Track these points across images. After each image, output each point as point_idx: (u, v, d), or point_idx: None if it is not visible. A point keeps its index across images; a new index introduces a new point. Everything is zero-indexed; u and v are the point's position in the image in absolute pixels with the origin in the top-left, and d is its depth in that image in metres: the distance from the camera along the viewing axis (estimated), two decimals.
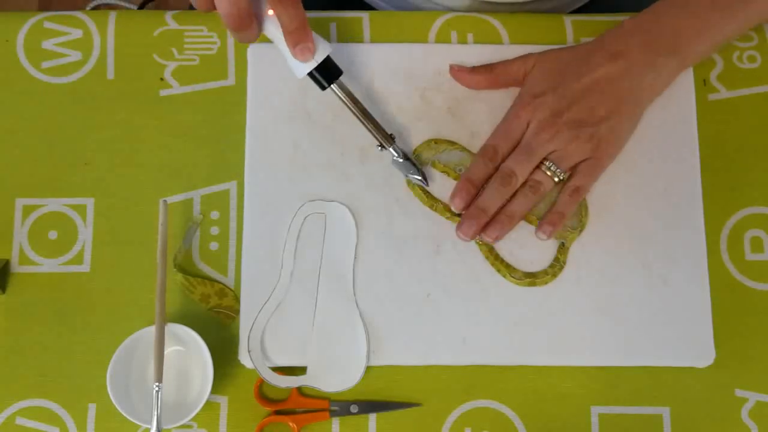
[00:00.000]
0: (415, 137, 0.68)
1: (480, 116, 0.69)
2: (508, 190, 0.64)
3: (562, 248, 0.66)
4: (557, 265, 0.65)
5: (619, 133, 0.65)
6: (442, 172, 0.67)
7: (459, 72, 0.68)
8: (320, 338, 0.64)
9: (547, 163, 0.64)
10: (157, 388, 0.59)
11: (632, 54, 0.64)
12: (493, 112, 0.69)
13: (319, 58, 0.60)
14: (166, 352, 0.62)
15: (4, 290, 0.66)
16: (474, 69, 0.68)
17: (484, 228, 0.64)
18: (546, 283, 0.65)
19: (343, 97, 0.63)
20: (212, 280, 0.66)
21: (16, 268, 0.66)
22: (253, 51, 0.70)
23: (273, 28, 0.59)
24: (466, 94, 0.69)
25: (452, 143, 0.68)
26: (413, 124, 0.69)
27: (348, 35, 0.72)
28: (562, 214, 0.65)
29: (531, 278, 0.65)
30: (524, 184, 0.65)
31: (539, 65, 0.67)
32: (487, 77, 0.68)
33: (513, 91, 0.69)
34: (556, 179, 0.64)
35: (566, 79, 0.64)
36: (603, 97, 0.64)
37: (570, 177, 0.65)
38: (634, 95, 0.65)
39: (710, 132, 0.70)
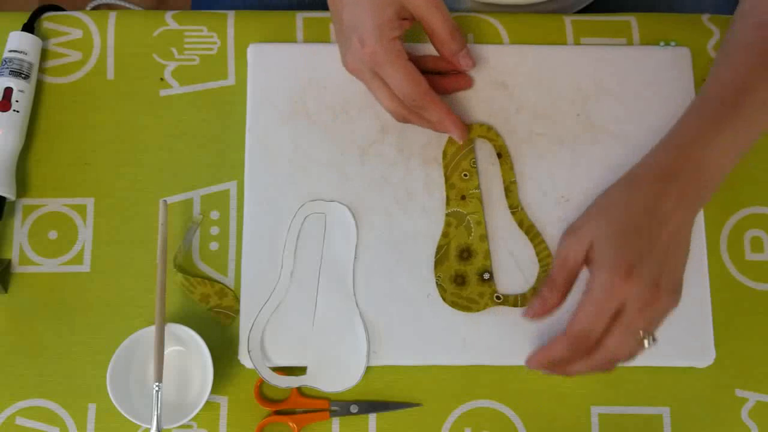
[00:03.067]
0: (415, 136, 0.68)
1: (480, 115, 0.69)
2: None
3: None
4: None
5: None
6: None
7: (530, 313, 0.60)
8: (320, 338, 0.64)
9: (644, 334, 0.57)
10: (157, 388, 0.59)
11: (690, 188, 0.58)
12: (494, 112, 0.69)
13: None
14: (166, 352, 0.62)
15: (6, 290, 0.66)
16: (541, 298, 0.60)
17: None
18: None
19: None
20: (212, 280, 0.66)
21: (17, 268, 0.67)
22: (253, 51, 0.70)
23: None
24: (466, 93, 0.69)
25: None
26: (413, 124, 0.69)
27: None
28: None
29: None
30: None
31: (601, 241, 0.58)
32: (558, 295, 0.59)
33: (510, 80, 0.69)
34: (647, 344, 0.58)
35: (644, 239, 0.57)
36: (682, 249, 0.58)
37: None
38: (690, 233, 0.60)
39: None
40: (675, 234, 0.58)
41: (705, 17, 0.73)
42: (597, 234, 0.58)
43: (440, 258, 0.66)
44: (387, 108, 0.64)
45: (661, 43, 0.72)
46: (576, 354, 0.58)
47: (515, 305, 0.65)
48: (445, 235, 0.66)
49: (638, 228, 0.57)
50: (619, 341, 0.57)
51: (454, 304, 0.65)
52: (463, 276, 0.65)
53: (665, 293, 0.57)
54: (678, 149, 0.59)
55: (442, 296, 0.65)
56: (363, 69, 0.62)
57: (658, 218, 0.57)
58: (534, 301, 0.60)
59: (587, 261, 0.58)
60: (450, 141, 0.68)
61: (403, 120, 0.65)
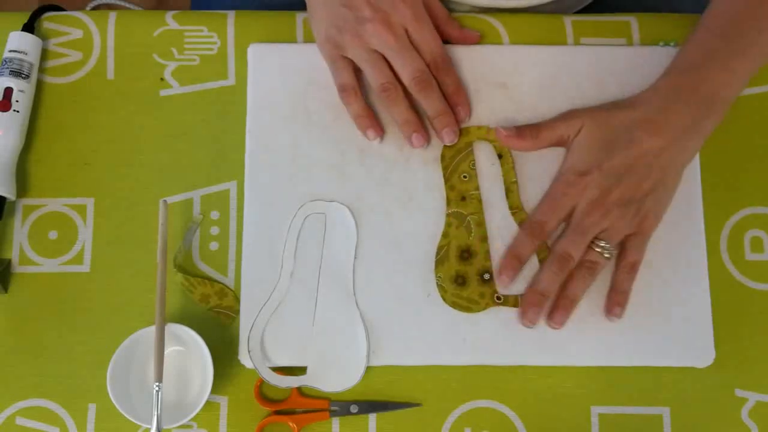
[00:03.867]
0: None
1: (480, 116, 0.69)
2: (566, 272, 0.63)
3: None
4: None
5: (663, 203, 0.65)
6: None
7: (506, 138, 0.66)
8: (320, 338, 0.64)
9: (599, 243, 0.63)
10: (157, 388, 0.59)
11: (673, 125, 0.63)
12: (494, 112, 0.69)
13: None
14: (166, 352, 0.62)
15: (6, 290, 0.66)
16: (520, 133, 0.66)
17: (550, 315, 0.64)
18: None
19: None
20: (212, 280, 0.66)
21: (17, 268, 0.66)
22: (254, 51, 0.70)
23: None
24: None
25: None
26: None
27: None
28: (626, 292, 0.65)
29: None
30: (579, 265, 0.64)
31: (584, 134, 0.65)
32: (534, 142, 0.67)
33: (516, 91, 0.69)
34: (607, 256, 0.64)
35: (611, 154, 0.63)
36: (648, 171, 0.63)
37: (622, 253, 0.65)
38: (677, 163, 0.64)
39: None
40: (644, 156, 0.63)
41: None
42: (579, 131, 0.65)
43: (441, 258, 0.66)
44: (379, 80, 0.65)
45: (661, 43, 0.72)
46: (533, 243, 0.64)
47: (515, 305, 0.65)
48: (445, 235, 0.66)
49: (609, 141, 0.64)
50: (570, 240, 0.63)
51: (454, 305, 0.65)
52: (464, 276, 0.65)
53: (617, 206, 0.63)
54: (668, 79, 0.65)
55: (442, 296, 0.65)
56: (382, 37, 0.64)
57: (631, 138, 0.63)
58: (513, 130, 0.67)
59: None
60: (447, 145, 0.68)
61: (385, 95, 0.65)
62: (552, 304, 0.64)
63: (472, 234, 0.66)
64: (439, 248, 0.66)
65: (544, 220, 0.64)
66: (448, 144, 0.67)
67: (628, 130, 0.63)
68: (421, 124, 0.66)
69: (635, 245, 0.65)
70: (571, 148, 0.66)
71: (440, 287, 0.65)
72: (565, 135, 0.66)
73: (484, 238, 0.66)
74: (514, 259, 0.64)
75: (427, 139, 0.67)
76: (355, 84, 0.67)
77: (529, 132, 0.67)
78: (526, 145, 0.67)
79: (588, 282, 0.64)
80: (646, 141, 0.63)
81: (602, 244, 0.63)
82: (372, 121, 0.67)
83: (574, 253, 0.63)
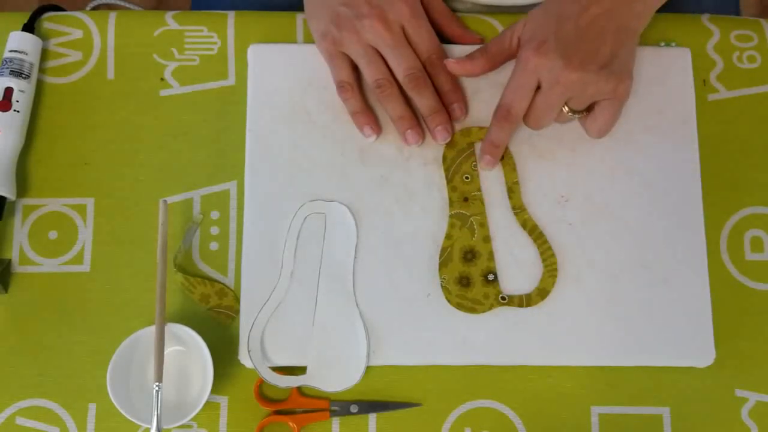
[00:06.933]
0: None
1: (480, 116, 0.69)
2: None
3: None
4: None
5: (628, 66, 0.65)
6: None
7: (456, 65, 0.67)
8: (320, 338, 0.64)
9: (565, 110, 0.65)
10: (157, 388, 0.59)
11: None
12: (490, 102, 0.69)
13: None
14: (166, 352, 0.62)
15: (6, 290, 0.66)
16: (470, 56, 0.67)
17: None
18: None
19: None
20: (212, 280, 0.66)
21: (17, 268, 0.66)
22: (254, 51, 0.70)
23: None
24: (467, 95, 0.69)
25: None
26: None
27: None
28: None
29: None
30: None
31: (529, 23, 0.64)
32: (486, 60, 0.67)
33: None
34: (577, 117, 0.66)
35: (562, 23, 0.62)
36: (603, 34, 0.62)
37: (593, 116, 0.66)
38: (628, 26, 0.63)
39: (710, 132, 0.70)
40: (597, 18, 0.62)
41: (705, 17, 0.73)
42: (524, 25, 0.65)
43: (444, 260, 0.66)
44: (374, 76, 0.66)
45: (661, 43, 0.72)
46: (507, 130, 0.65)
47: (520, 305, 0.65)
48: (449, 236, 0.66)
49: (559, 13, 0.63)
50: (541, 113, 0.64)
51: (459, 306, 0.65)
52: (468, 277, 0.65)
53: (578, 69, 0.61)
54: None
55: (447, 298, 0.65)
56: (384, 32, 0.64)
57: (580, 4, 0.62)
58: (464, 57, 0.67)
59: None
60: (448, 145, 0.68)
61: (379, 91, 0.66)
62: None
63: (476, 235, 0.66)
64: (443, 249, 0.66)
65: (510, 103, 0.64)
66: (441, 143, 0.67)
67: (573, 1, 0.63)
68: (416, 121, 0.67)
69: (606, 110, 0.65)
70: (522, 39, 0.64)
71: (445, 288, 0.65)
72: (514, 37, 0.65)
73: (488, 239, 0.66)
74: (492, 146, 0.66)
75: (422, 137, 0.67)
76: (352, 80, 0.67)
77: (477, 53, 0.67)
78: (478, 65, 0.67)
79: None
80: (596, 3, 0.62)
81: (569, 112, 0.65)
82: (368, 118, 0.67)
83: (543, 125, 0.66)
